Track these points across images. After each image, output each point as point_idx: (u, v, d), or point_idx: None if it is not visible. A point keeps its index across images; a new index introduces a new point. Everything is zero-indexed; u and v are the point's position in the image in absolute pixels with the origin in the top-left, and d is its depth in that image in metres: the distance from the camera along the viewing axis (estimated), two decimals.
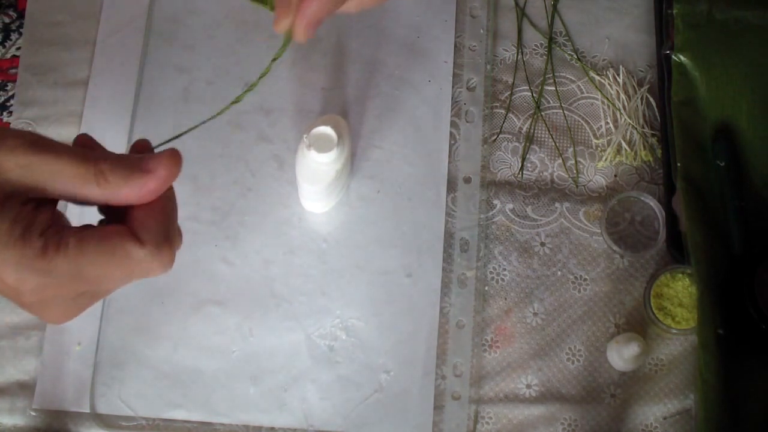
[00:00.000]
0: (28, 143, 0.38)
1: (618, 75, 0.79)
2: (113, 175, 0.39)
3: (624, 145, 0.76)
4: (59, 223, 0.39)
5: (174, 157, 0.41)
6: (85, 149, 0.40)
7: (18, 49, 0.78)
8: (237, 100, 0.51)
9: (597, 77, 0.79)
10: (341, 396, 0.70)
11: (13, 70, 0.78)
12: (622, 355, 0.69)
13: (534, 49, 0.80)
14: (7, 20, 0.79)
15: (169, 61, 0.78)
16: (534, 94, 0.78)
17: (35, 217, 0.38)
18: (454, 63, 0.79)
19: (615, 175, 0.76)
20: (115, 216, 0.42)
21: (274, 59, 0.52)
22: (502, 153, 0.77)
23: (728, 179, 0.72)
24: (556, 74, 0.79)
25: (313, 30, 0.51)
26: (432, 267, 0.73)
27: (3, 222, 0.37)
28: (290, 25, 0.50)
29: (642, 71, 0.79)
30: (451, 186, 0.75)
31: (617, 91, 0.78)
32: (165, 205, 0.42)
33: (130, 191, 0.40)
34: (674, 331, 0.69)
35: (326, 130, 0.64)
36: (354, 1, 0.51)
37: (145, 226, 0.41)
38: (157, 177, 0.40)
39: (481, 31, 0.80)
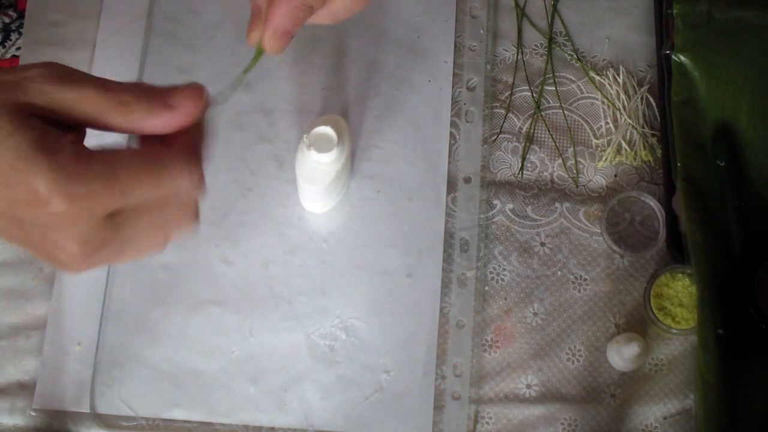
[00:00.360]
0: (50, 74, 0.38)
1: (618, 75, 0.79)
2: (137, 107, 0.39)
3: (624, 145, 0.76)
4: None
5: (197, 92, 0.41)
6: (110, 81, 0.40)
7: (18, 49, 0.78)
8: (228, 99, 0.50)
9: (597, 77, 0.79)
10: (341, 396, 0.70)
11: None
12: (622, 355, 0.69)
13: (534, 49, 0.80)
14: (7, 20, 0.79)
15: (169, 61, 0.78)
16: (534, 94, 0.78)
17: (64, 133, 0.38)
18: (454, 63, 0.79)
19: (615, 175, 0.76)
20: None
21: (246, 71, 0.51)
22: (502, 153, 0.77)
23: (728, 179, 0.72)
24: (556, 74, 0.79)
25: (282, 43, 0.50)
26: (432, 267, 0.73)
27: (31, 132, 0.36)
28: (260, 38, 0.50)
29: (642, 71, 0.79)
30: (451, 186, 0.75)
31: (617, 91, 0.78)
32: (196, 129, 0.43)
33: (154, 123, 0.40)
34: (674, 331, 0.69)
35: (326, 130, 0.64)
36: (325, 11, 0.51)
37: (174, 139, 0.41)
38: (182, 113, 0.41)
39: (481, 31, 0.80)
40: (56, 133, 0.37)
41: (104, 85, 0.39)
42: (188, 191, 0.42)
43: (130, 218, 0.40)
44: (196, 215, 0.45)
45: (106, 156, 0.38)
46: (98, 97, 0.38)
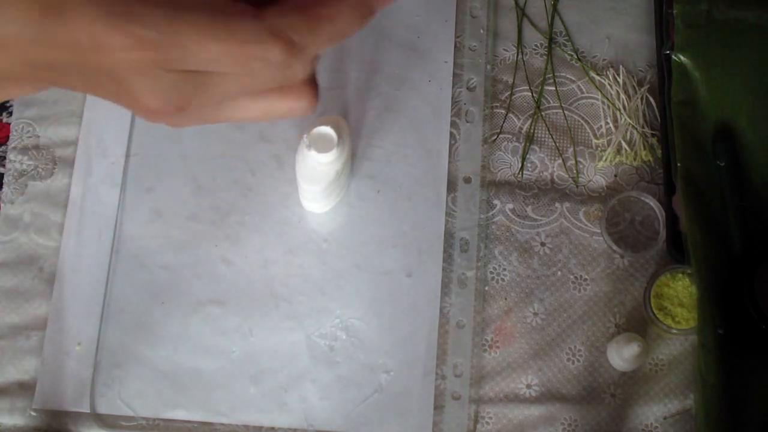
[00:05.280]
0: None
1: (618, 75, 0.79)
2: None
3: (624, 145, 0.76)
4: None
5: None
6: None
7: None
8: None
9: (597, 77, 0.79)
10: (341, 396, 0.70)
11: None
12: (622, 355, 0.69)
13: (534, 49, 0.80)
14: None
15: None
16: (534, 94, 0.78)
17: None
18: (454, 63, 0.79)
19: (615, 175, 0.76)
20: None
21: None
22: (502, 153, 0.77)
23: (728, 179, 0.72)
24: (556, 74, 0.79)
25: None
26: (432, 267, 0.73)
27: None
28: None
29: (642, 71, 0.79)
30: (451, 186, 0.75)
31: (617, 91, 0.78)
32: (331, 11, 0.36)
33: None
34: (674, 331, 0.69)
35: (326, 130, 0.64)
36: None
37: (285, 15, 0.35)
38: None
39: (481, 31, 0.80)
40: None
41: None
42: (268, 72, 0.35)
43: (214, 78, 0.36)
44: (307, 94, 0.39)
45: (172, 0, 0.33)
46: None
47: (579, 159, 0.77)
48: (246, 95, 0.38)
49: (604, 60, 0.80)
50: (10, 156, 0.75)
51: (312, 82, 0.39)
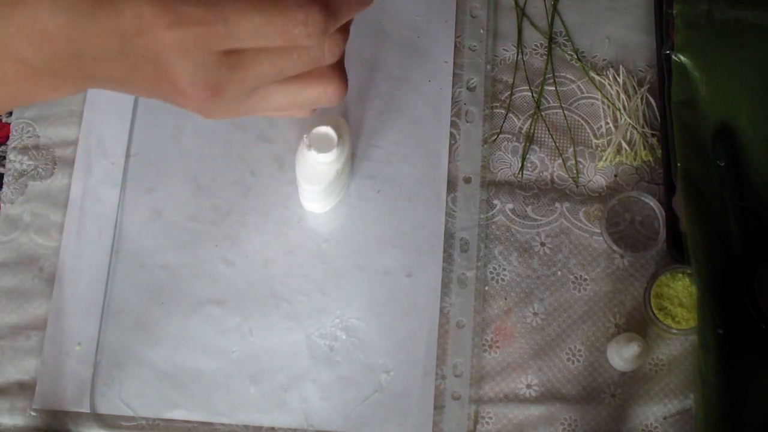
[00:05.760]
0: None
1: (618, 75, 0.79)
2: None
3: (624, 145, 0.76)
4: None
5: None
6: None
7: None
8: None
9: (597, 77, 0.79)
10: (341, 396, 0.70)
11: None
12: (622, 355, 0.69)
13: (534, 49, 0.80)
14: None
15: None
16: (534, 94, 0.78)
17: None
18: (454, 63, 0.79)
19: (615, 175, 0.76)
20: None
21: None
22: (502, 153, 0.77)
23: (728, 179, 0.72)
24: (556, 74, 0.79)
25: None
26: (432, 267, 0.73)
27: None
28: None
29: (642, 71, 0.79)
30: (451, 186, 0.75)
31: (617, 91, 0.78)
32: None
33: None
34: (674, 331, 0.69)
35: (326, 130, 0.64)
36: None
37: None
38: None
39: (481, 31, 0.80)
40: None
41: None
42: (308, 39, 0.37)
43: (248, 60, 0.37)
44: (335, 78, 0.41)
45: None
46: None
47: (579, 159, 0.77)
48: (277, 81, 0.39)
49: (604, 60, 0.80)
50: (10, 156, 0.75)
51: (340, 67, 0.41)
